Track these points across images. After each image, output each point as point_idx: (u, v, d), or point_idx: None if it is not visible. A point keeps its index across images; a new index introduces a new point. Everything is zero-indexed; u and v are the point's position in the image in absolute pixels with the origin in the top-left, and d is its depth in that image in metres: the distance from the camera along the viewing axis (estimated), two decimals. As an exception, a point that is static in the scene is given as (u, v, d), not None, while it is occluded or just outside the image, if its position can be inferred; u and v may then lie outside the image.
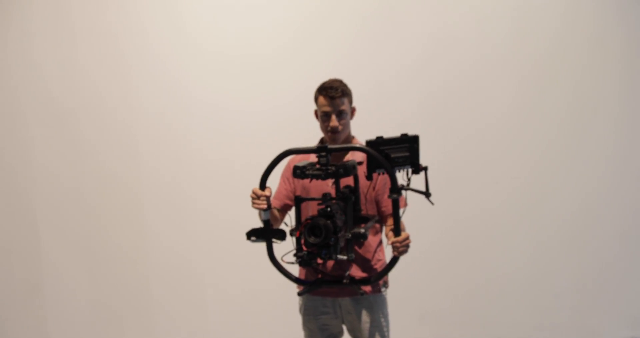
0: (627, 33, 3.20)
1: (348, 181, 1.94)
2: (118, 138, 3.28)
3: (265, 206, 1.80)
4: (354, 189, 1.88)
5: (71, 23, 3.28)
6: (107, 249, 3.33)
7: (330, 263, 2.00)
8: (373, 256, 2.05)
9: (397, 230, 1.74)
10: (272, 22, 3.19)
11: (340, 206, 1.81)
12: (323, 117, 1.99)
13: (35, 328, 3.38)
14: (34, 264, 3.37)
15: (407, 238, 1.76)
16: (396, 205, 1.72)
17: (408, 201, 1.95)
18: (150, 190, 3.29)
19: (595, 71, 3.21)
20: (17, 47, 3.30)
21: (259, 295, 3.25)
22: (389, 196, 1.71)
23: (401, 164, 1.70)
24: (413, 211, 2.20)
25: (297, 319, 2.20)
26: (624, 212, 3.26)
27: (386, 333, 2.09)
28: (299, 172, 1.73)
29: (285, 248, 1.85)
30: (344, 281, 1.86)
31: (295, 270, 2.07)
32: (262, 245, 1.88)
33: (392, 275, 2.75)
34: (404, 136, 1.72)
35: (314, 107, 2.07)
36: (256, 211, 1.91)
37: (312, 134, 2.15)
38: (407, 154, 1.70)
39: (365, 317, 2.05)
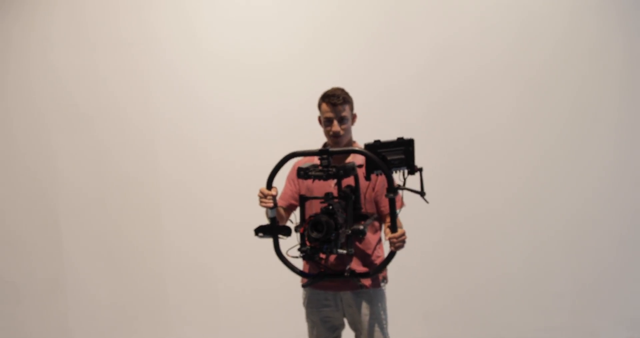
0: (628, 42, 3.20)
1: (349, 181, 2.04)
2: (135, 142, 3.37)
3: (271, 205, 1.91)
4: (355, 189, 1.98)
5: (91, 33, 3.38)
6: (125, 249, 3.41)
7: (333, 258, 2.09)
8: (373, 252, 2.14)
9: (393, 226, 1.85)
10: (282, 33, 3.27)
11: (341, 204, 1.91)
12: (326, 122, 2.11)
13: (57, 324, 3.47)
14: (55, 264, 3.46)
15: (403, 234, 1.87)
16: (393, 204, 1.82)
17: (408, 203, 2.05)
18: (166, 193, 3.37)
19: (596, 78, 3.21)
20: (39, 56, 3.42)
21: (266, 291, 3.31)
22: (386, 196, 1.81)
23: (397, 165, 1.80)
24: (416, 212, 2.22)
25: (301, 312, 2.28)
26: (623, 215, 3.24)
27: (385, 326, 2.17)
28: (302, 173, 1.84)
29: (291, 244, 1.95)
30: (345, 274, 1.96)
31: (299, 264, 2.14)
32: (269, 244, 1.97)
33: (395, 275, 2.80)
34: (400, 140, 1.81)
35: (319, 113, 2.16)
36: (263, 212, 2.01)
37: (316, 139, 2.22)
38: (402, 156, 1.80)
39: (365, 309, 2.13)
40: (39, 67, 3.43)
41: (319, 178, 1.82)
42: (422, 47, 3.23)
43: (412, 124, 3.14)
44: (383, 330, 2.16)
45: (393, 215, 1.84)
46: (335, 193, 2.01)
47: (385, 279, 2.22)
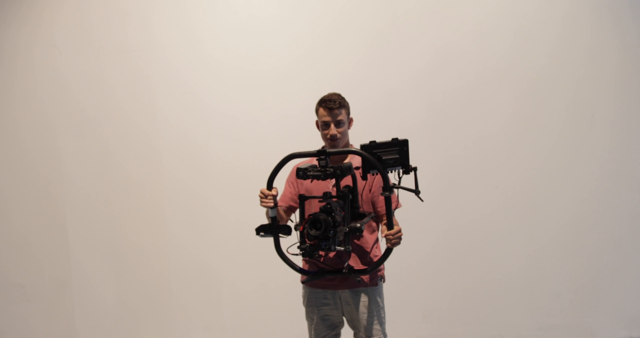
0: (622, 46, 3.21)
1: (347, 182, 2.10)
2: (140, 145, 3.44)
3: (272, 204, 1.96)
4: (352, 189, 2.03)
5: (96, 39, 3.45)
6: (130, 250, 3.47)
7: (332, 256, 2.14)
8: (370, 252, 2.19)
9: (389, 224, 1.90)
10: (284, 40, 3.33)
11: (339, 203, 1.97)
12: (323, 126, 2.17)
13: (64, 324, 3.52)
14: (62, 263, 3.52)
15: (399, 231, 1.92)
16: (388, 202, 1.88)
17: (407, 204, 2.07)
18: (170, 194, 3.42)
19: (592, 82, 3.23)
20: (46, 62, 3.49)
21: (267, 290, 3.36)
22: (382, 194, 1.86)
23: (392, 165, 1.85)
24: (416, 214, 2.23)
25: (302, 311, 2.33)
26: (619, 216, 3.25)
27: (383, 324, 2.21)
28: (301, 173, 1.91)
29: (291, 243, 2.01)
30: (344, 270, 2.01)
31: (299, 262, 2.21)
32: (271, 243, 2.02)
33: (395, 274, 2.85)
34: (395, 140, 1.87)
35: (316, 118, 2.22)
36: (264, 212, 2.06)
37: (316, 142, 2.27)
38: (397, 156, 1.85)
39: (362, 308, 2.17)
40: (45, 73, 3.50)
41: (317, 177, 1.88)
42: (420, 53, 3.27)
43: (410, 128, 3.18)
44: (381, 328, 2.20)
45: (389, 213, 1.89)
46: (333, 192, 2.07)
47: (382, 278, 2.27)
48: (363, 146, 1.88)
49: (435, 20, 3.27)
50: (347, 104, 2.21)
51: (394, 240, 1.91)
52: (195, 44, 3.39)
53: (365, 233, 2.18)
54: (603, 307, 3.28)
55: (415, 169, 1.91)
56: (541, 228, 3.28)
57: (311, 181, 2.11)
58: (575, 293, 3.28)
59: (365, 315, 2.18)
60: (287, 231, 1.98)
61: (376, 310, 2.20)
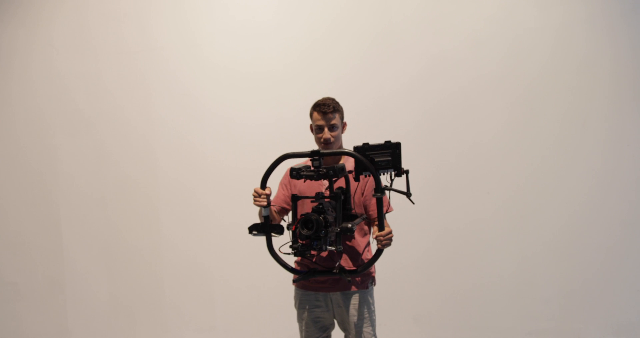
0: (615, 57, 3.24)
1: (340, 184, 2.13)
2: (136, 146, 3.45)
3: (265, 204, 1.99)
4: (345, 191, 2.06)
5: (94, 40, 3.46)
6: (124, 249, 3.47)
7: (324, 255, 2.16)
8: (362, 254, 2.21)
9: (380, 225, 1.93)
10: (280, 44, 3.34)
11: (331, 204, 1.99)
12: (317, 130, 2.20)
13: (57, 323, 3.52)
14: (56, 262, 3.52)
15: (390, 232, 1.95)
16: (380, 203, 1.91)
17: (399, 208, 2.08)
18: (164, 194, 3.43)
19: (585, 90, 3.25)
20: (43, 62, 3.50)
21: (260, 292, 3.37)
22: (373, 195, 1.89)
23: (384, 167, 1.88)
24: (408, 217, 2.23)
25: (293, 312, 2.35)
26: (609, 223, 3.28)
27: (373, 326, 2.23)
28: (295, 173, 1.93)
29: (283, 243, 2.03)
30: (334, 270, 2.03)
31: (291, 262, 2.22)
32: (263, 244, 2.04)
33: (386, 278, 2.86)
34: (388, 143, 1.90)
35: (310, 122, 2.24)
36: (258, 212, 2.08)
37: (310, 145, 2.24)
38: (389, 158, 1.88)
39: (353, 310, 2.19)
40: (42, 73, 3.51)
41: (310, 178, 1.91)
42: (415, 60, 3.30)
43: (404, 134, 3.18)
44: (371, 330, 2.22)
45: (380, 214, 1.92)
46: (326, 193, 2.09)
47: (373, 281, 2.28)
48: (356, 148, 1.91)
49: (431, 28, 3.29)
50: (341, 108, 2.23)
51: (385, 241, 1.94)
52: (192, 46, 3.41)
53: (357, 236, 2.20)
54: (592, 312, 3.30)
55: (407, 172, 1.93)
56: (532, 234, 3.30)
57: (304, 181, 2.13)
58: (565, 298, 3.30)
59: (356, 318, 2.19)
60: (280, 230, 2.00)
61: (367, 312, 2.21)
